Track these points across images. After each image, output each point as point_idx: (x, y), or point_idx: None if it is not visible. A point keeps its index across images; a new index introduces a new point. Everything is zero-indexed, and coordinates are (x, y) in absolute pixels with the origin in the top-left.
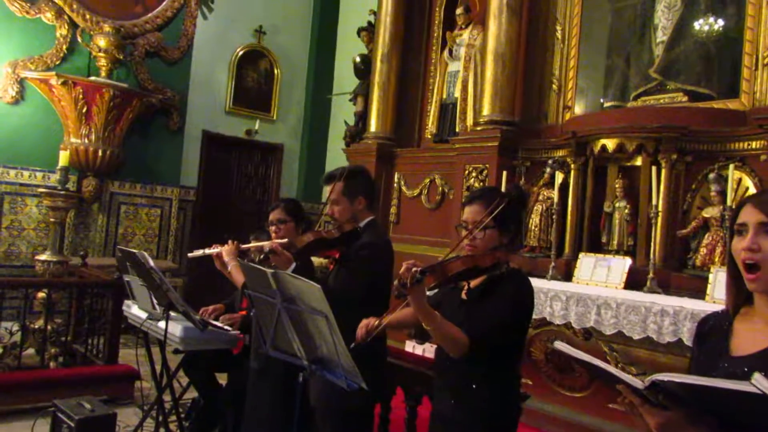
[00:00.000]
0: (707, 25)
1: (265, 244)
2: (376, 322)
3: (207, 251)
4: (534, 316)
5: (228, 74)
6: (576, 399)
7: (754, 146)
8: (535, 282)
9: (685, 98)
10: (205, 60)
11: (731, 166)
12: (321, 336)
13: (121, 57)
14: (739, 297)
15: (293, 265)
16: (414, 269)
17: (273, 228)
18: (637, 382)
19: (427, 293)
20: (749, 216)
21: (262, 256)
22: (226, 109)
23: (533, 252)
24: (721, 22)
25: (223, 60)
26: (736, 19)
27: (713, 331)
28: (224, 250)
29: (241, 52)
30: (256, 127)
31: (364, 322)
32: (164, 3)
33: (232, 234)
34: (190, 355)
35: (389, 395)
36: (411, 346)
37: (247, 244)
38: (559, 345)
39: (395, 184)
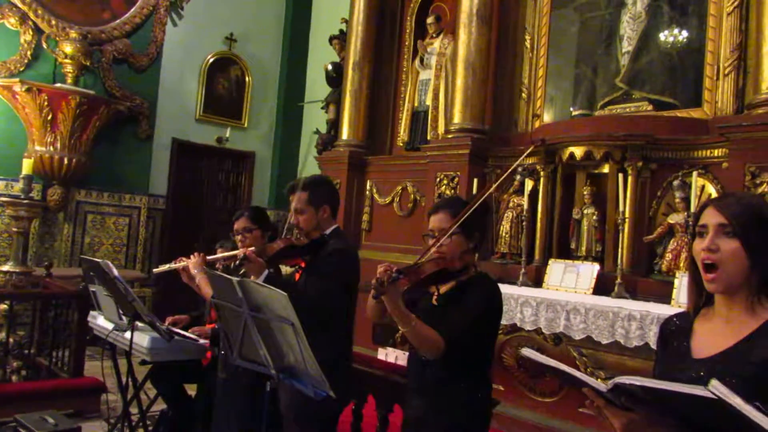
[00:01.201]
0: (671, 36)
1: (237, 252)
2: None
3: (173, 265)
4: (505, 322)
5: (198, 81)
6: (547, 404)
7: (716, 154)
8: (506, 288)
9: (650, 107)
10: (175, 67)
11: (694, 174)
12: (288, 344)
13: (88, 63)
14: (700, 298)
15: (266, 273)
16: (390, 269)
17: (239, 237)
18: (601, 386)
19: None
20: (710, 218)
21: (237, 263)
22: (196, 117)
23: (504, 258)
24: (684, 33)
25: (193, 67)
26: (698, 31)
27: (676, 333)
28: (190, 263)
29: (211, 60)
30: (227, 134)
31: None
32: (133, 9)
33: (202, 243)
34: (157, 367)
35: (361, 402)
36: (383, 354)
37: (214, 255)
38: (527, 351)
39: (367, 192)
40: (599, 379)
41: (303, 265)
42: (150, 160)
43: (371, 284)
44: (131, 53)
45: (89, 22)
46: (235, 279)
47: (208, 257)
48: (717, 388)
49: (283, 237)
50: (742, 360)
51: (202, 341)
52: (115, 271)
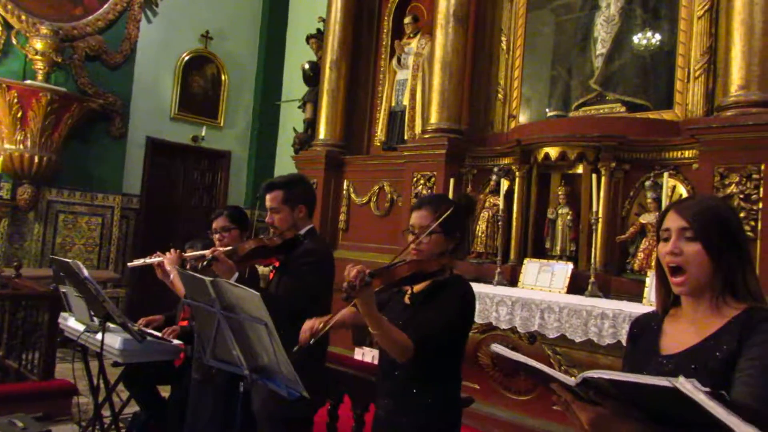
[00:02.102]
0: (644, 39)
1: (208, 252)
2: (321, 325)
3: (148, 260)
4: (480, 321)
5: (173, 79)
6: (521, 402)
7: (686, 155)
8: (482, 287)
9: (623, 109)
10: (150, 65)
11: (665, 175)
12: (261, 344)
13: (60, 60)
14: (668, 299)
15: (236, 274)
16: (362, 273)
17: (217, 236)
18: (569, 380)
19: None
20: (672, 222)
21: (205, 263)
22: (171, 115)
23: (480, 258)
24: (656, 36)
25: (168, 65)
26: (669, 34)
27: (645, 331)
28: (166, 259)
29: (186, 57)
30: (203, 133)
31: (308, 324)
32: (106, 5)
33: (177, 243)
34: (130, 368)
35: (336, 402)
36: (360, 354)
37: (189, 253)
38: (496, 347)
39: (344, 192)
40: (572, 376)
41: (277, 264)
42: (123, 158)
43: (342, 287)
44: (104, 50)
45: (61, 18)
46: (207, 278)
47: (184, 254)
48: (684, 385)
49: (255, 237)
50: (708, 356)
51: (175, 342)
52: (86, 272)
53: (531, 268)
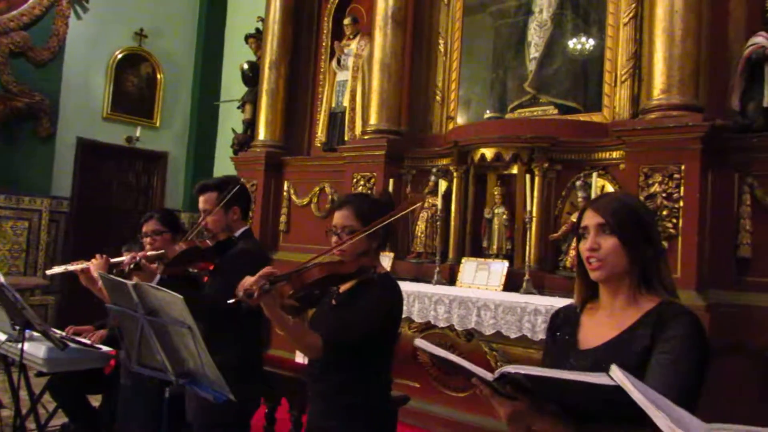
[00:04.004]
0: (576, 43)
1: (138, 256)
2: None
3: (69, 267)
4: (419, 320)
5: (105, 78)
6: (460, 399)
7: (614, 156)
8: (421, 287)
9: (556, 111)
10: (80, 62)
11: (594, 175)
12: (186, 348)
13: None
14: (587, 292)
15: (157, 278)
16: (263, 281)
17: (148, 240)
18: (488, 375)
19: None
20: (589, 219)
21: (131, 267)
22: (103, 115)
23: (419, 258)
24: (587, 42)
25: (99, 63)
26: (598, 39)
27: (563, 325)
28: (92, 265)
29: (120, 55)
30: (137, 134)
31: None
32: (31, 0)
33: (111, 247)
34: (57, 378)
35: (274, 405)
36: (301, 357)
37: (118, 258)
38: (418, 342)
39: (284, 193)
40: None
41: (212, 268)
42: (52, 160)
43: (238, 294)
44: (30, 47)
45: None
46: (129, 282)
47: (112, 260)
48: (615, 374)
49: (186, 239)
50: (624, 350)
51: (105, 348)
52: (1, 278)
53: (469, 266)
